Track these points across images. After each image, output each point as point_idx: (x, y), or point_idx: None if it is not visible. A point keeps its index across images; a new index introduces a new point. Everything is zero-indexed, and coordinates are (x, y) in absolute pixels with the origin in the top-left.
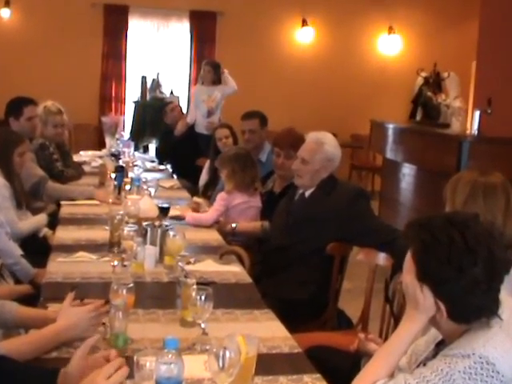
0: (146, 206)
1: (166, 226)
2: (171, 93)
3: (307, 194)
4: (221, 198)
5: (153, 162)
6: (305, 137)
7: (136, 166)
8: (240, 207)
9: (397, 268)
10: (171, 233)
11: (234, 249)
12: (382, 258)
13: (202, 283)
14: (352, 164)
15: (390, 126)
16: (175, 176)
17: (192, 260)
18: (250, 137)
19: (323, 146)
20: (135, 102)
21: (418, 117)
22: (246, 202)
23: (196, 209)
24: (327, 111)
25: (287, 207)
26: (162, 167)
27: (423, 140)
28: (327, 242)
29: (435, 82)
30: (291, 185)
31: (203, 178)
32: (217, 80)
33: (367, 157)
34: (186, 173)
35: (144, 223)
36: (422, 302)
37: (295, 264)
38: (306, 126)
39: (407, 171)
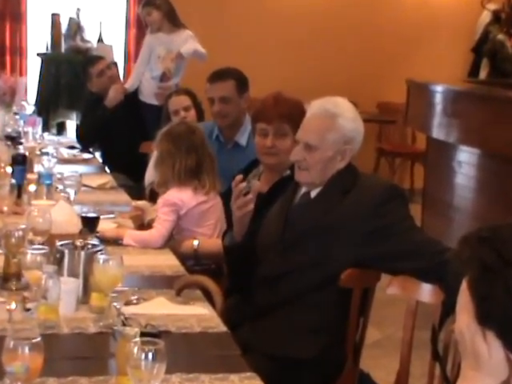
0: (62, 216)
1: (94, 246)
2: (99, 41)
3: (314, 193)
4: (165, 202)
5: (72, 148)
6: (305, 107)
7: (46, 154)
8: (198, 210)
9: (450, 307)
10: (101, 257)
11: (199, 279)
12: (426, 292)
13: (150, 334)
14: (379, 148)
15: (439, 89)
16: (108, 169)
17: (134, 298)
18: (223, 108)
19: (336, 119)
20: (42, 56)
21: (483, 73)
22: (204, 202)
23: (139, 217)
24: (341, 69)
25: (283, 214)
26: (86, 156)
27: (491, 109)
28: (342, 267)
29: (509, 19)
30: (286, 180)
31: (151, 171)
32: (175, 21)
33: (403, 137)
34: (125, 164)
35: (59, 243)
36: (486, 358)
37: (294, 302)
38: (308, 91)
39: (466, 158)
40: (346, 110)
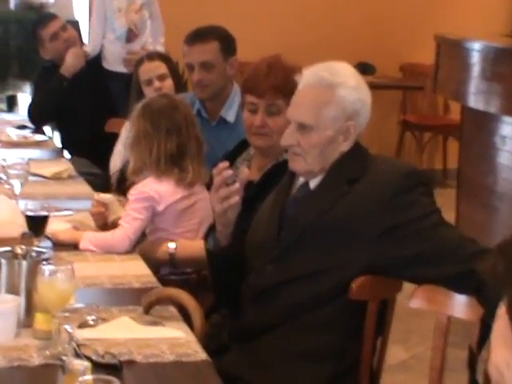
0: (2, 215)
1: (39, 253)
2: None
3: (313, 184)
4: (138, 196)
5: (23, 127)
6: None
7: None
8: (180, 207)
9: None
10: (46, 268)
11: (172, 293)
12: (460, 305)
13: (109, 365)
14: (404, 120)
15: (476, 47)
16: (68, 154)
17: (91, 319)
18: (204, 76)
19: (335, 90)
20: None
21: None
22: (187, 196)
23: (102, 215)
24: (353, 25)
25: (277, 210)
26: (40, 137)
27: None
28: (353, 274)
29: None
30: (282, 166)
31: (118, 156)
32: None
33: (433, 106)
34: (88, 147)
35: None
36: None
37: (293, 320)
38: (313, 54)
39: (509, 132)
40: (346, 77)
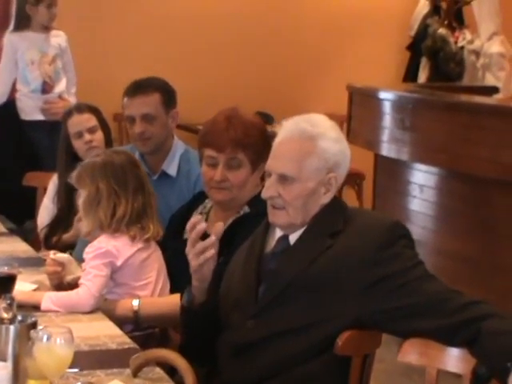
0: None
1: (25, 317)
2: None
3: (294, 238)
4: (96, 252)
5: None
6: (274, 129)
7: None
8: (138, 259)
9: (484, 377)
10: (43, 333)
11: (162, 354)
12: (450, 358)
13: None
14: None
15: (389, 97)
16: None
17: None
18: (146, 129)
19: (316, 142)
20: None
21: (423, 76)
22: (142, 249)
23: (57, 275)
24: (254, 79)
25: (253, 266)
26: None
27: (457, 119)
28: (337, 330)
29: (451, 10)
30: (245, 219)
31: (45, 212)
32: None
33: None
34: (4, 202)
35: None
36: None
37: (274, 377)
38: (207, 102)
39: (426, 180)
40: (326, 128)
